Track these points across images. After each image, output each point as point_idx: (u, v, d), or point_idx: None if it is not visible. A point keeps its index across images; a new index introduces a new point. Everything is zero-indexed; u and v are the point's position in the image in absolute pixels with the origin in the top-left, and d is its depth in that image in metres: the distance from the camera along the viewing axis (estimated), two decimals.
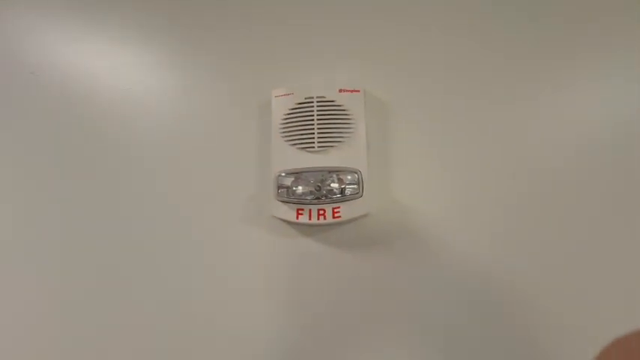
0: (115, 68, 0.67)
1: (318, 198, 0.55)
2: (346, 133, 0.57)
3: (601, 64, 0.60)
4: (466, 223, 0.57)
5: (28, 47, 0.69)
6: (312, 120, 0.58)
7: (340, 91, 0.59)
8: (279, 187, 0.56)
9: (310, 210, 0.56)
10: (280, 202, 0.56)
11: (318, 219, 0.55)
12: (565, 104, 0.59)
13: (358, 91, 0.59)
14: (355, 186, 0.55)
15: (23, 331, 0.59)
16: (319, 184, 0.55)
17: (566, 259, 0.55)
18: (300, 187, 0.55)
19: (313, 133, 0.57)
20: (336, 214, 0.55)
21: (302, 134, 0.57)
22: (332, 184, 0.55)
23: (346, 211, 0.55)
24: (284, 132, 0.58)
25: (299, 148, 0.57)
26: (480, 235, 0.56)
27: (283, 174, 0.56)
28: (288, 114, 0.59)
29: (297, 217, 0.56)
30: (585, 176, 0.57)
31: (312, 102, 0.58)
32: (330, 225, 0.58)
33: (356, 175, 0.55)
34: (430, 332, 0.55)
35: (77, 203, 0.63)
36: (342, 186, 0.55)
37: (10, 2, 0.71)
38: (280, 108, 0.59)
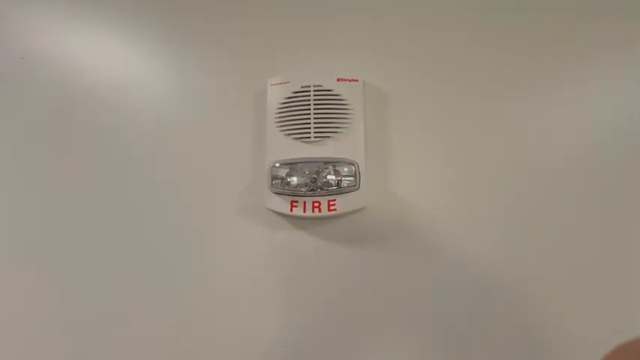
0: (107, 55, 0.65)
1: (313, 190, 0.53)
2: (344, 123, 0.55)
3: (605, 63, 0.58)
4: (465, 218, 0.55)
5: (18, 32, 0.67)
6: (309, 109, 0.56)
7: (338, 80, 0.57)
8: (273, 177, 0.54)
9: (305, 202, 0.54)
10: (274, 194, 0.54)
11: (313, 212, 0.53)
12: (569, 101, 0.57)
13: (357, 80, 0.57)
14: (352, 178, 0.53)
15: (24, 330, 0.58)
16: (315, 176, 0.53)
17: (568, 259, 0.53)
18: (294, 179, 0.53)
19: (309, 123, 0.55)
20: (331, 207, 0.53)
21: (298, 124, 0.55)
22: (328, 176, 0.53)
23: (342, 203, 0.54)
24: (279, 121, 0.56)
25: (294, 138, 0.55)
26: (479, 230, 0.55)
27: (277, 164, 0.54)
28: (284, 103, 0.57)
29: (291, 210, 0.54)
30: (587, 175, 0.55)
31: (309, 91, 0.56)
32: (325, 218, 0.56)
33: (353, 167, 0.53)
34: (427, 328, 0.53)
35: (66, 193, 0.61)
36: (339, 178, 0.53)
37: None
38: (276, 97, 0.57)
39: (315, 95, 0.56)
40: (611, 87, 0.57)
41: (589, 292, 0.52)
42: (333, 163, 0.53)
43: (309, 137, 0.55)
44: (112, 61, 0.64)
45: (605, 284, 0.52)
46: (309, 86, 0.56)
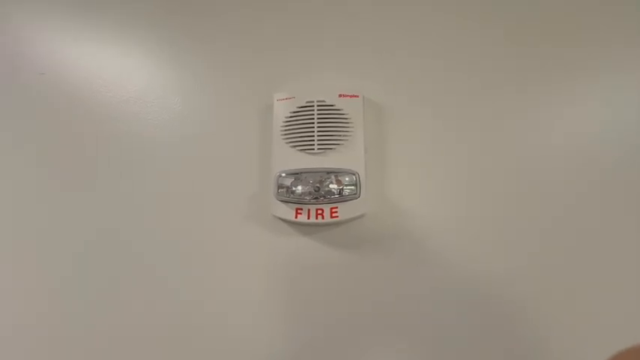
0: (122, 69, 0.69)
1: (316, 198, 0.56)
2: (345, 136, 0.59)
3: (605, 68, 0.60)
4: (462, 225, 0.58)
5: (37, 48, 0.71)
6: (313, 123, 0.60)
7: (340, 96, 0.61)
8: (279, 186, 0.57)
9: (309, 209, 0.57)
10: (280, 202, 0.58)
11: (317, 218, 0.57)
12: (566, 108, 0.60)
13: (357, 96, 0.61)
14: (353, 187, 0.56)
15: (25, 332, 0.60)
16: (318, 185, 0.57)
17: (568, 267, 0.55)
18: (299, 187, 0.57)
19: (313, 136, 0.59)
20: (333, 214, 0.57)
21: (302, 136, 0.59)
22: (330, 185, 0.57)
23: (344, 211, 0.57)
24: (285, 134, 0.60)
25: (299, 150, 0.59)
26: (477, 237, 0.57)
27: (283, 174, 0.57)
28: (290, 117, 0.61)
29: (296, 217, 0.57)
30: (588, 183, 0.57)
31: (313, 106, 0.60)
32: (328, 224, 0.59)
33: (354, 177, 0.57)
34: (426, 335, 0.55)
35: (81, 203, 0.64)
36: (341, 187, 0.56)
37: (20, 4, 0.72)
38: (282, 111, 0.61)
39: (318, 110, 0.60)
40: (613, 92, 0.59)
41: (591, 300, 0.54)
42: (336, 173, 0.57)
43: (313, 149, 0.59)
44: (128, 75, 0.68)
45: (607, 293, 0.54)
46: (313, 101, 0.60)
